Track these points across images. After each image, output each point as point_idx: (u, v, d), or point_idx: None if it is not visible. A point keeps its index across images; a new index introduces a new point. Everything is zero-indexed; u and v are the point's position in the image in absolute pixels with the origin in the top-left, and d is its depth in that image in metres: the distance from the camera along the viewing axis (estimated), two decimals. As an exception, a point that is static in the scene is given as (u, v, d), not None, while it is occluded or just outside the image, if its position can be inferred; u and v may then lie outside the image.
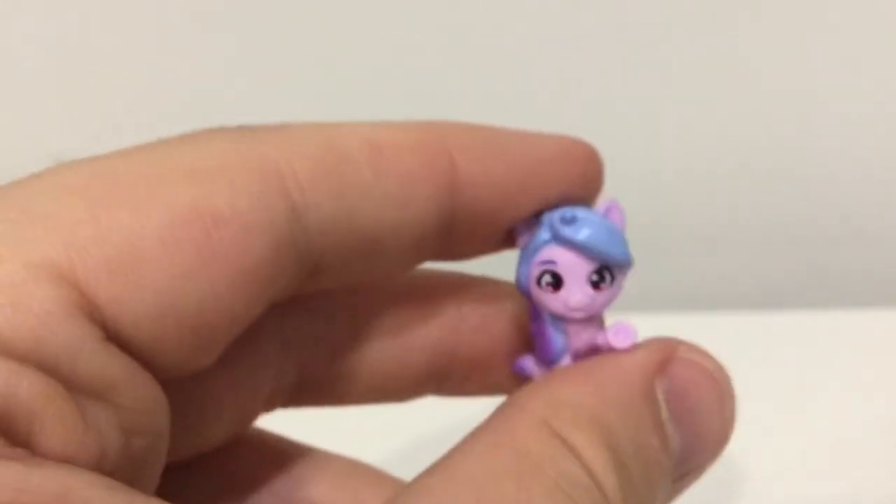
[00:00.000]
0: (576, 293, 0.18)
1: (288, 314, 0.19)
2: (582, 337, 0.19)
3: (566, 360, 0.19)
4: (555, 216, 0.18)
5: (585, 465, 0.15)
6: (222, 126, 0.17)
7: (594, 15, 0.39)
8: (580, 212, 0.18)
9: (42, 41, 0.40)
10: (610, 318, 0.19)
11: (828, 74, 0.40)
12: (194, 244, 0.15)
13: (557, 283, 0.18)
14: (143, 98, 0.41)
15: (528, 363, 0.20)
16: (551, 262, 0.18)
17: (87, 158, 0.16)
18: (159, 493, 0.17)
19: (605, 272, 0.18)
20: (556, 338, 0.19)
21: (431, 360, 0.21)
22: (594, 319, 0.19)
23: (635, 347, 0.18)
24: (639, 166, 0.42)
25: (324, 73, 0.40)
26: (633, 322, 0.18)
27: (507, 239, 0.20)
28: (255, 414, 0.20)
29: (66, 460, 0.14)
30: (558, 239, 0.18)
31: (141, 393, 0.15)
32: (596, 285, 0.18)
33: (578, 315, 0.18)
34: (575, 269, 0.18)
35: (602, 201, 0.20)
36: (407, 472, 0.17)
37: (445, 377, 0.21)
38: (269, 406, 0.20)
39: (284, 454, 0.21)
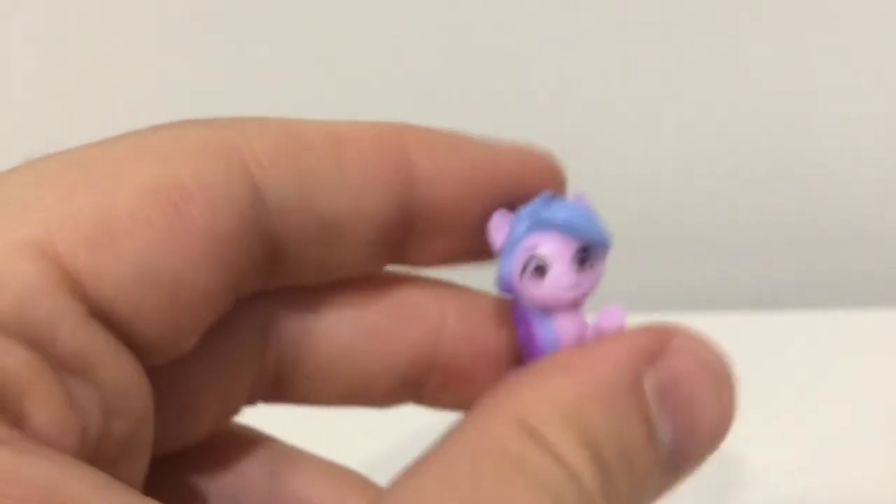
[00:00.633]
0: (563, 274, 0.18)
1: (268, 307, 0.20)
2: (570, 331, 0.18)
3: None
4: (532, 203, 0.18)
5: (564, 463, 0.15)
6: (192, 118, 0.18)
7: (594, 15, 0.39)
8: (555, 197, 0.19)
9: (41, 42, 0.40)
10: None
11: (828, 75, 0.40)
12: (164, 217, 0.16)
13: (542, 270, 0.18)
14: (141, 99, 0.41)
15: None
16: (534, 247, 0.18)
17: (59, 151, 0.16)
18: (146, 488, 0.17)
19: (588, 251, 0.18)
20: (545, 335, 0.18)
21: (410, 363, 0.20)
22: (580, 311, 0.19)
23: (626, 335, 0.18)
24: (639, 166, 0.42)
25: (323, 73, 0.40)
26: (632, 322, 0.18)
27: (470, 250, 0.20)
28: (236, 407, 0.20)
29: (53, 438, 0.14)
30: (539, 223, 0.18)
31: (122, 372, 0.16)
32: (581, 266, 0.18)
33: (568, 296, 0.18)
34: (559, 250, 0.18)
35: (570, 194, 0.20)
36: (385, 472, 0.17)
37: (423, 384, 0.21)
38: (251, 399, 0.20)
39: (268, 452, 0.21)
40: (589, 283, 0.18)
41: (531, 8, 0.39)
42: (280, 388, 0.20)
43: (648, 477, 0.17)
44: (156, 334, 0.16)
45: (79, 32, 0.40)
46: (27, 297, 0.14)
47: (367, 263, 0.19)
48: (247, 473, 0.21)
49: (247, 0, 0.39)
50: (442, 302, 0.20)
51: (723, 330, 0.39)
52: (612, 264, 0.20)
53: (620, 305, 0.18)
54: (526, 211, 0.18)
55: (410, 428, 0.26)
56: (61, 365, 0.15)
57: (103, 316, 0.15)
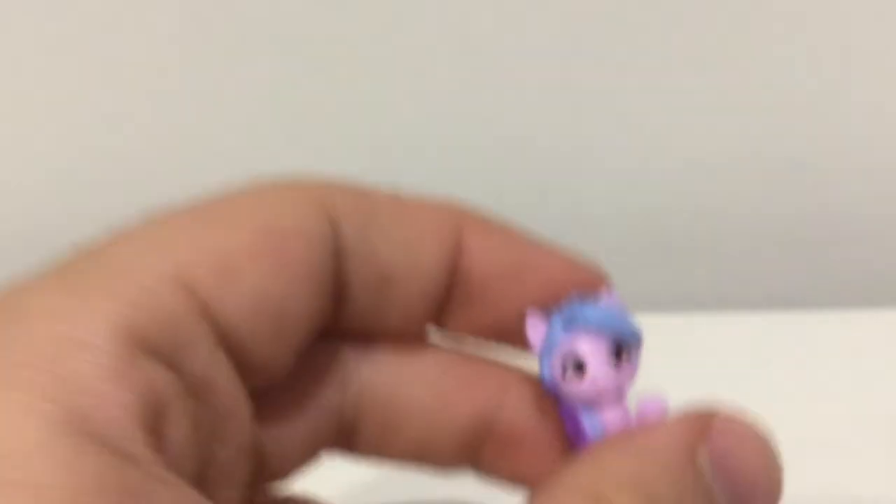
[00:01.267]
0: (601, 372, 0.19)
1: (348, 355, 0.22)
2: (615, 422, 0.19)
3: None
4: (566, 307, 0.20)
5: None
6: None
7: (596, 14, 0.39)
8: (586, 300, 0.20)
9: (42, 42, 0.40)
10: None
11: (828, 75, 0.40)
12: (271, 253, 0.18)
13: (581, 368, 0.19)
14: (141, 100, 0.41)
15: None
16: (572, 350, 0.19)
17: (181, 204, 0.19)
18: None
19: (622, 349, 0.19)
20: (592, 428, 0.19)
21: (472, 427, 0.22)
22: (623, 402, 0.20)
23: (674, 417, 0.19)
24: (639, 166, 0.42)
25: (323, 73, 0.40)
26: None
27: (501, 330, 0.22)
28: (319, 448, 0.22)
29: (180, 458, 0.16)
30: (573, 325, 0.19)
31: (232, 398, 0.18)
32: (618, 361, 0.19)
33: (607, 391, 0.19)
34: (594, 350, 0.19)
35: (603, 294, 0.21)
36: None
37: (481, 450, 0.22)
38: (331, 445, 0.22)
39: None
40: (626, 376, 0.20)
41: (532, 8, 0.39)
42: (353, 438, 0.22)
43: None
44: (263, 355, 0.19)
45: (78, 32, 0.40)
46: (173, 323, 0.17)
47: (416, 319, 0.21)
48: None
49: (246, 3, 0.39)
50: (505, 378, 0.22)
51: (723, 330, 0.39)
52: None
53: (662, 395, 0.19)
54: (559, 314, 0.20)
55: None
56: (189, 386, 0.17)
57: (224, 339, 0.18)
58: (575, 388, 0.19)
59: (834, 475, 0.32)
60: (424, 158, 0.41)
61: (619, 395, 0.19)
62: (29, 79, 0.41)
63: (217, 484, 0.18)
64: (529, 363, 0.22)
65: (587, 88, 0.40)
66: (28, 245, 0.29)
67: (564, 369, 0.19)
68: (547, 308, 0.20)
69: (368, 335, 0.22)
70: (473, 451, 0.22)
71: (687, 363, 0.18)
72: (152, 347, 0.16)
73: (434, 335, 0.22)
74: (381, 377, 0.22)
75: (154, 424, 0.16)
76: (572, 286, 0.21)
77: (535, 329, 0.20)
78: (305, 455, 0.22)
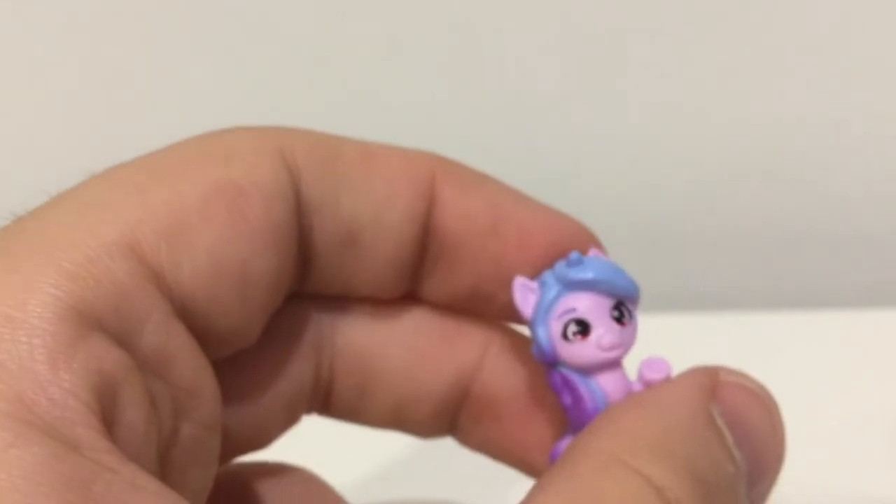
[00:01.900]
0: (606, 332, 0.18)
1: (320, 318, 0.20)
2: (617, 388, 0.18)
3: None
4: (558, 267, 0.18)
5: (667, 498, 0.15)
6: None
7: (597, 15, 0.39)
8: (577, 259, 0.18)
9: (40, 41, 0.40)
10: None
11: (828, 74, 0.40)
12: (226, 211, 0.17)
13: (585, 329, 0.18)
14: (140, 99, 0.41)
15: (566, 443, 0.19)
16: (572, 309, 0.18)
17: (127, 160, 0.18)
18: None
19: (622, 307, 0.18)
20: (595, 396, 0.18)
21: (450, 388, 0.21)
22: (621, 367, 0.19)
23: (678, 377, 0.18)
24: (639, 167, 0.42)
25: (321, 71, 0.40)
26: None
27: (480, 293, 0.20)
28: (296, 414, 0.21)
29: (139, 440, 0.15)
30: (571, 285, 0.18)
31: (193, 371, 0.17)
32: (619, 321, 0.18)
33: (614, 354, 0.18)
34: (597, 309, 0.18)
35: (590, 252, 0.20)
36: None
37: (458, 413, 0.21)
38: (308, 408, 0.21)
39: (316, 490, 0.22)
40: (630, 335, 0.18)
41: (533, 8, 0.39)
42: (329, 403, 0.21)
43: (741, 502, 0.17)
44: (227, 323, 0.17)
45: (77, 32, 0.40)
46: (120, 295, 0.15)
47: (387, 281, 0.20)
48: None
49: (245, 3, 0.39)
50: (488, 336, 0.21)
51: (723, 330, 0.39)
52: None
53: (664, 359, 0.18)
54: (551, 275, 0.18)
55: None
56: (144, 363, 0.15)
57: (182, 310, 0.16)
58: (577, 352, 0.18)
59: (834, 475, 0.32)
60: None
61: (618, 359, 0.18)
62: (25, 77, 0.41)
63: (184, 463, 0.17)
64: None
65: (588, 92, 0.40)
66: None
67: (566, 328, 0.18)
68: (533, 272, 0.19)
69: (340, 296, 0.20)
70: (451, 416, 0.21)
71: (687, 363, 0.18)
72: (99, 323, 0.15)
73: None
74: (355, 339, 0.21)
75: (106, 407, 0.14)
76: (554, 241, 0.19)
77: (524, 294, 0.19)
78: (282, 422, 0.21)
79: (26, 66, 0.40)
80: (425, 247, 0.20)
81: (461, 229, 0.20)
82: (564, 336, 0.18)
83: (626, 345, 0.18)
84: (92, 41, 0.40)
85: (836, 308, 0.40)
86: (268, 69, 0.40)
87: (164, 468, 0.16)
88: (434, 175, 0.19)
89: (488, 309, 0.21)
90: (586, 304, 0.18)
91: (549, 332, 0.18)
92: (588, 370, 0.18)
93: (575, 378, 0.18)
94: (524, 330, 0.21)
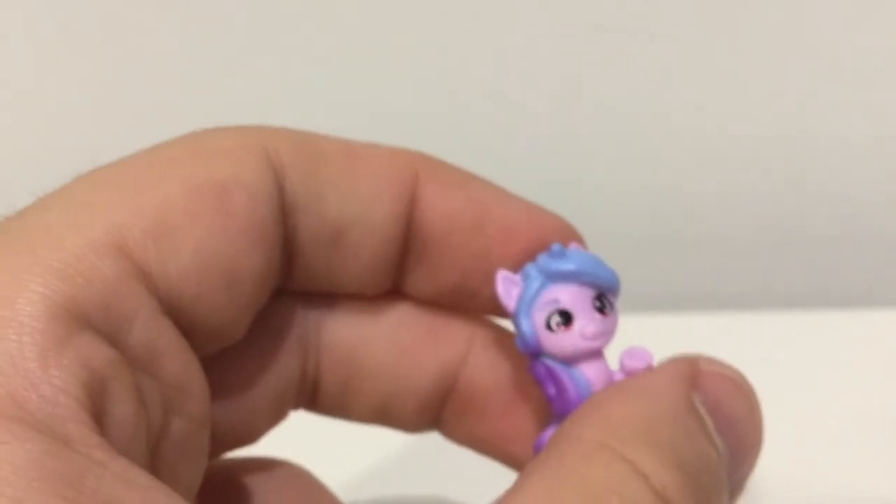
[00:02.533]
0: (589, 322, 0.18)
1: (307, 314, 0.21)
2: (600, 377, 0.19)
3: None
4: (540, 259, 0.19)
5: (653, 485, 0.15)
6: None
7: (596, 14, 0.39)
8: (557, 251, 0.19)
9: (40, 40, 0.40)
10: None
11: (828, 74, 0.40)
12: (212, 209, 0.17)
13: (567, 319, 0.18)
14: (138, 99, 0.41)
15: (551, 433, 0.19)
16: (555, 300, 0.18)
17: (113, 161, 0.18)
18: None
19: (604, 298, 0.19)
20: (578, 385, 0.18)
21: (434, 383, 0.21)
22: (602, 357, 0.19)
23: (659, 367, 0.18)
24: (639, 167, 0.42)
25: (321, 70, 0.40)
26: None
27: (465, 289, 0.20)
28: (283, 410, 0.21)
29: (128, 436, 0.15)
30: (553, 277, 0.18)
31: (182, 366, 0.17)
32: (601, 311, 0.19)
33: (596, 344, 0.18)
34: (579, 299, 0.18)
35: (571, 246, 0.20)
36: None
37: (443, 408, 0.21)
38: (295, 404, 0.21)
39: (302, 483, 0.22)
40: (611, 325, 0.19)
41: (534, 7, 0.39)
42: (316, 398, 0.21)
43: (723, 499, 0.17)
44: (214, 320, 0.18)
45: (75, 32, 0.40)
46: (108, 292, 0.15)
47: (372, 278, 0.20)
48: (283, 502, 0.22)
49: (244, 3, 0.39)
50: (472, 331, 0.21)
51: (723, 330, 0.39)
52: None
53: (645, 348, 0.18)
54: (534, 267, 0.19)
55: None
56: (132, 360, 0.16)
57: (169, 307, 0.17)
58: (559, 343, 0.18)
59: (834, 475, 0.32)
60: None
61: (605, 344, 0.19)
62: (28, 78, 0.41)
63: (174, 458, 0.17)
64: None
65: (588, 91, 0.40)
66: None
67: (549, 319, 0.18)
68: (516, 266, 0.19)
69: (326, 292, 0.20)
70: (436, 411, 0.21)
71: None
72: (88, 321, 0.15)
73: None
74: (341, 336, 0.21)
75: (96, 404, 0.15)
76: (538, 237, 0.20)
77: (507, 286, 0.19)
78: (269, 418, 0.21)
79: (20, 66, 0.40)
80: (409, 244, 0.20)
81: (445, 227, 0.20)
82: (548, 326, 0.18)
83: (608, 334, 0.19)
84: (89, 40, 0.40)
85: (836, 308, 0.40)
86: (267, 69, 0.40)
87: (154, 463, 0.16)
88: (417, 173, 0.20)
89: (473, 304, 0.21)
90: (569, 296, 0.18)
91: (533, 323, 0.18)
92: (571, 360, 0.19)
93: (558, 368, 0.19)
94: (508, 325, 0.21)
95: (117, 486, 0.14)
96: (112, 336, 0.15)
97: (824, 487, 0.31)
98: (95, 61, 0.40)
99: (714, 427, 0.17)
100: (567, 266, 0.18)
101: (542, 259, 0.19)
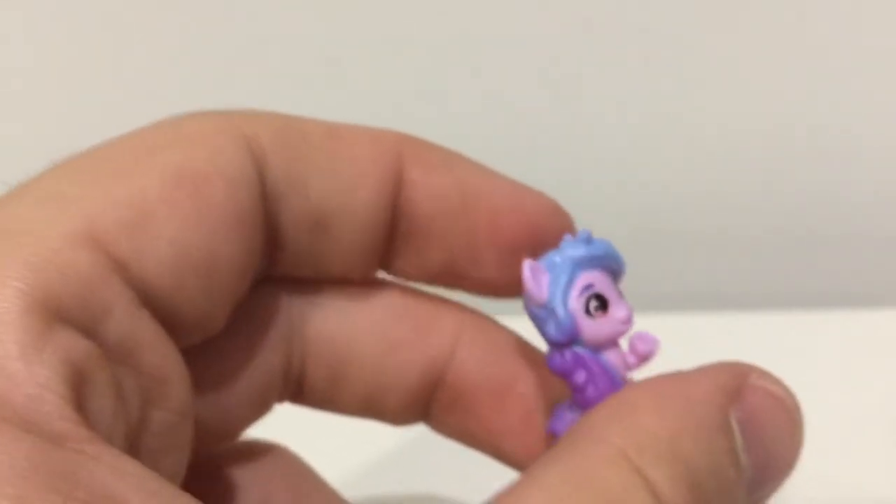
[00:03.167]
0: (621, 306, 0.18)
1: (291, 304, 0.20)
2: (620, 363, 0.18)
3: None
4: (565, 246, 0.18)
5: (662, 500, 0.15)
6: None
7: (597, 14, 0.39)
8: (573, 238, 0.19)
9: (40, 40, 0.40)
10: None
11: (828, 74, 0.40)
12: (189, 199, 0.17)
13: (604, 304, 0.18)
14: (136, 97, 0.41)
15: (570, 419, 0.19)
16: (590, 285, 0.18)
17: (86, 149, 0.17)
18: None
19: (616, 283, 0.19)
20: (610, 369, 0.18)
21: (422, 376, 0.21)
22: (619, 342, 0.19)
23: (706, 372, 0.18)
24: (639, 167, 0.42)
25: (320, 68, 0.40)
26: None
27: (452, 271, 0.20)
28: (268, 401, 0.21)
29: (107, 428, 0.15)
30: (582, 263, 0.18)
31: (162, 358, 0.16)
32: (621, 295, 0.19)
33: (627, 327, 0.18)
34: (607, 285, 0.18)
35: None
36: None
37: (430, 401, 0.21)
38: (280, 396, 0.21)
39: (292, 468, 0.22)
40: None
41: (534, 7, 0.39)
42: (303, 389, 0.21)
43: None
44: (193, 311, 0.17)
45: (75, 32, 0.40)
46: (85, 286, 0.15)
47: (358, 263, 0.20)
48: (271, 488, 0.21)
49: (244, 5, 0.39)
50: (461, 323, 0.21)
51: (723, 330, 0.39)
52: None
53: (652, 334, 0.18)
54: (558, 255, 0.18)
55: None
56: (109, 352, 0.15)
57: (147, 299, 0.16)
58: (599, 327, 0.18)
59: (834, 475, 0.32)
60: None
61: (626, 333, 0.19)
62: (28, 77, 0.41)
63: (156, 450, 0.17)
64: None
65: (589, 90, 0.40)
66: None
67: (588, 304, 0.18)
68: (507, 248, 0.19)
69: (311, 281, 0.20)
70: (424, 404, 0.21)
71: (687, 364, 0.18)
72: (65, 315, 0.15)
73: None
74: (327, 328, 0.20)
75: (76, 398, 0.14)
76: (526, 217, 0.20)
77: (536, 275, 0.18)
78: (253, 411, 0.20)
79: (20, 66, 0.40)
80: (395, 227, 0.20)
81: (431, 208, 0.19)
82: (587, 312, 0.18)
83: (633, 318, 0.19)
84: (89, 40, 0.40)
85: (836, 308, 0.40)
86: (266, 69, 0.40)
87: (135, 455, 0.16)
88: (402, 154, 0.19)
89: (461, 284, 0.21)
90: (600, 280, 0.18)
91: (572, 310, 0.18)
92: (604, 345, 0.18)
93: (588, 355, 0.18)
94: (495, 315, 0.21)
95: (110, 478, 0.13)
96: (89, 329, 0.15)
97: (824, 487, 0.31)
98: (95, 61, 0.40)
99: (744, 445, 0.17)
100: (597, 252, 0.18)
101: (568, 245, 0.18)
